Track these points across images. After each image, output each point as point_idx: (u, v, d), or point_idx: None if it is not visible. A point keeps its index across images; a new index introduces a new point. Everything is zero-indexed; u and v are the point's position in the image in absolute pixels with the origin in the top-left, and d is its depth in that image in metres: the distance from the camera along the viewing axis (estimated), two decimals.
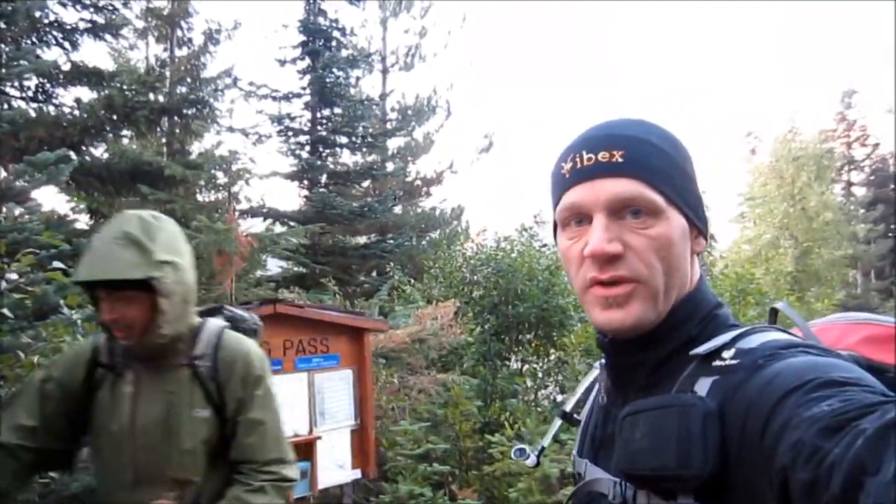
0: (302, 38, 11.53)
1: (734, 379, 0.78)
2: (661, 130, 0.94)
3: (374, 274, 13.14)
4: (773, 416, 0.69)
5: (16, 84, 10.39)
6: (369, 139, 12.72)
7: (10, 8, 8.71)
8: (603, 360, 1.01)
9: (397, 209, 16.03)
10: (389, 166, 15.40)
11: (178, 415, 1.83)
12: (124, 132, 9.60)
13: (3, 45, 9.23)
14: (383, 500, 4.85)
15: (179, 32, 14.96)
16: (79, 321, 3.21)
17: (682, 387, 0.84)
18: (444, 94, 16.16)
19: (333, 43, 11.71)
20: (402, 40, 16.69)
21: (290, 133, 11.70)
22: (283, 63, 11.65)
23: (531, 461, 1.30)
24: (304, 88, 11.68)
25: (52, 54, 10.53)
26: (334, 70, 11.59)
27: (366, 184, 13.78)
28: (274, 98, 11.59)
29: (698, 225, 0.93)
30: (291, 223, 11.16)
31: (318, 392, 4.56)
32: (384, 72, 16.14)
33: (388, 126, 15.69)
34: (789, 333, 0.88)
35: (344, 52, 12.03)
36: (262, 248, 7.77)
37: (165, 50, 14.56)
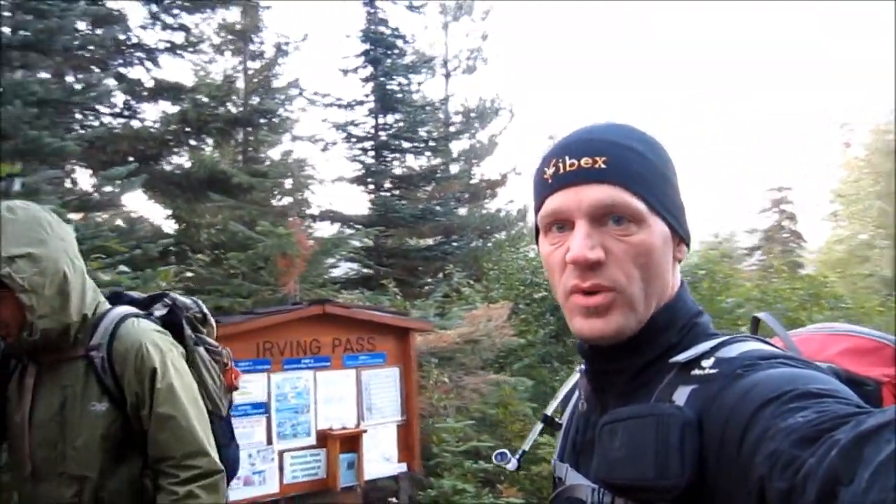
0: (364, 46, 11.86)
1: (713, 388, 0.79)
2: (644, 136, 0.94)
3: (440, 276, 13.38)
4: (751, 426, 0.70)
5: (104, 102, 11.21)
6: (431, 143, 12.93)
7: (98, 33, 9.44)
8: (583, 366, 1.02)
9: (462, 211, 16.21)
10: (454, 168, 15.61)
11: (73, 409, 1.78)
12: (200, 143, 10.23)
13: (93, 68, 10.01)
14: (429, 494, 5.01)
15: (252, 46, 15.73)
16: None
17: (661, 395, 0.84)
18: (506, 96, 16.17)
19: (395, 50, 11.99)
20: (463, 44, 16.80)
21: (353, 139, 12.06)
22: (346, 72, 12.03)
23: (512, 465, 1.30)
24: (366, 96, 12.01)
25: (136, 73, 11.32)
26: (395, 77, 11.87)
27: (430, 187, 14.00)
28: (339, 106, 11.99)
29: (680, 232, 0.93)
30: (357, 226, 11.50)
31: (365, 388, 4.78)
32: (447, 76, 16.36)
33: (452, 129, 15.87)
34: (770, 344, 0.90)
35: (405, 59, 12.29)
36: (323, 250, 8.08)
37: (240, 63, 15.34)
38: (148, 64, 10.33)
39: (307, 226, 11.35)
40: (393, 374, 4.94)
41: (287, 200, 11.57)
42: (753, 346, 0.85)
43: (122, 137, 8.96)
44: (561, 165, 0.90)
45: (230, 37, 15.76)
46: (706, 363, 0.83)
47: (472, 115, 16.12)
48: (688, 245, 0.96)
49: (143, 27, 10.67)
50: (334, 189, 12.45)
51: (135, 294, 2.11)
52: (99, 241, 3.74)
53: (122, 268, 3.31)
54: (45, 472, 1.79)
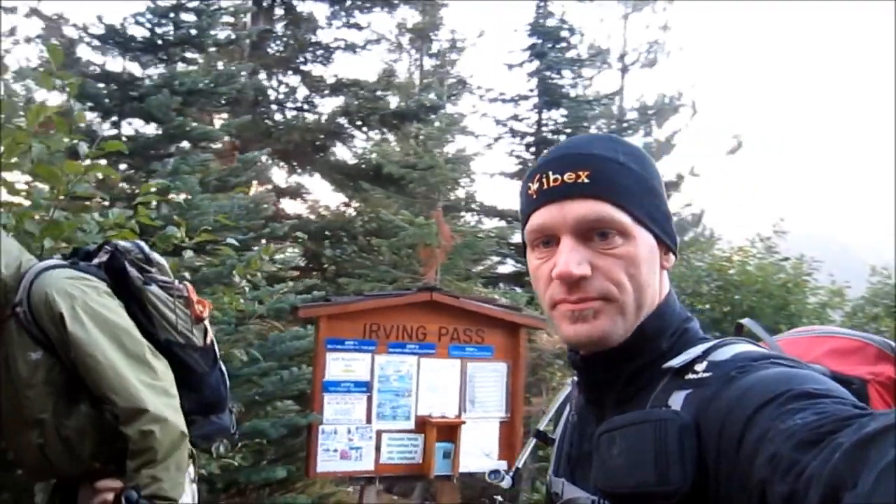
0: (531, 40, 11.77)
1: (707, 392, 0.78)
2: (628, 147, 0.94)
3: None
4: (749, 428, 0.69)
5: (291, 98, 12.28)
6: None
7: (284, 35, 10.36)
8: (575, 378, 1.02)
9: None
10: None
11: (16, 361, 1.89)
12: (363, 135, 10.85)
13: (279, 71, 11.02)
14: (532, 498, 4.87)
15: (430, 43, 16.32)
16: (246, 288, 3.80)
17: (657, 402, 0.84)
18: (688, 92, 15.14)
19: (562, 44, 11.75)
20: (644, 36, 16.02)
21: (517, 135, 12.04)
22: (511, 67, 12.03)
23: (506, 483, 1.31)
24: (531, 90, 11.93)
25: (317, 70, 12.27)
26: (561, 71, 11.63)
27: None
28: (503, 101, 12.04)
29: (666, 241, 0.93)
30: (515, 222, 11.50)
31: (469, 380, 4.74)
32: (623, 69, 15.71)
33: (625, 126, 15.21)
34: (759, 346, 0.90)
35: (572, 53, 12.01)
36: (467, 244, 8.17)
37: (417, 60, 15.98)
38: (324, 61, 11.17)
39: (460, 218, 11.54)
40: (500, 369, 4.85)
41: (451, 194, 11.89)
42: (745, 347, 0.85)
43: (295, 129, 9.78)
44: (545, 181, 0.90)
45: (409, 35, 16.56)
46: (699, 367, 0.83)
47: (650, 111, 15.34)
48: (675, 253, 0.95)
49: (322, 27, 11.55)
50: (494, 183, 12.44)
51: (88, 247, 2.23)
52: (224, 217, 4.05)
53: (231, 240, 3.54)
54: (11, 420, 1.94)
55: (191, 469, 2.28)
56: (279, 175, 13.77)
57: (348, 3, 11.86)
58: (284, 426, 4.24)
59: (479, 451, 4.68)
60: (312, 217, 12.69)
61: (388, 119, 11.06)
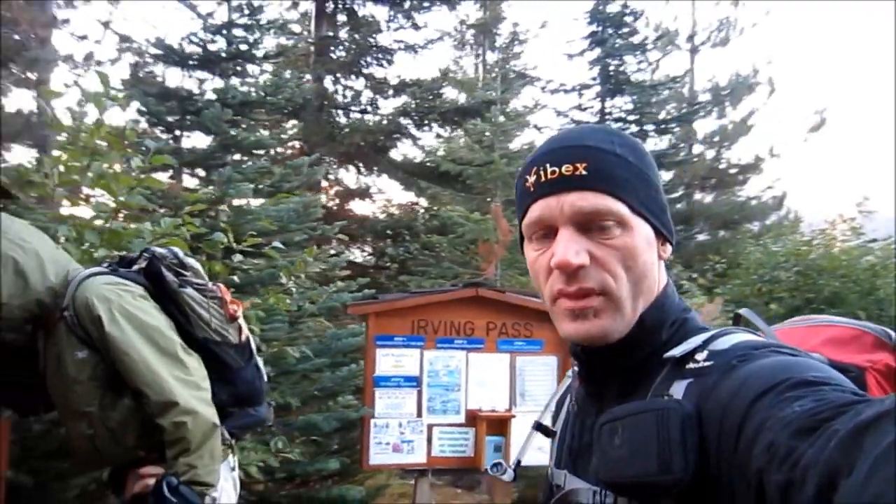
0: (591, 28, 11.56)
1: (708, 381, 0.79)
2: (625, 139, 0.94)
3: (682, 268, 12.61)
4: (748, 417, 0.69)
5: (355, 101, 12.58)
6: (669, 124, 12.14)
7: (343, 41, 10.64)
8: (576, 369, 1.03)
9: (707, 199, 15.00)
10: (700, 150, 14.49)
11: (65, 359, 2.07)
12: (422, 133, 11.01)
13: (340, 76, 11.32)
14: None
15: (493, 38, 16.29)
16: (293, 288, 3.97)
17: (658, 391, 0.84)
18: (764, 70, 14.45)
19: (624, 29, 11.48)
20: (713, 14, 15.38)
21: (579, 125, 11.87)
22: (571, 56, 11.85)
23: (508, 476, 1.30)
24: (593, 79, 11.72)
25: (379, 72, 12.52)
26: (624, 56, 11.38)
27: (670, 173, 13.18)
28: (565, 91, 11.89)
29: (663, 232, 0.93)
30: None
31: (518, 374, 4.76)
32: (692, 50, 15.16)
33: (700, 108, 14.69)
34: (758, 335, 0.90)
35: (636, 37, 11.71)
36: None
37: (478, 56, 16.01)
38: (386, 63, 11.39)
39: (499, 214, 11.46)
40: (550, 363, 4.85)
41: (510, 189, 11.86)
42: (745, 337, 0.85)
43: (357, 131, 10.02)
44: (542, 173, 0.90)
45: (471, 31, 16.59)
46: (700, 356, 0.83)
47: (723, 92, 14.75)
48: (672, 244, 0.96)
49: (383, 30, 11.77)
50: None
51: (132, 254, 2.40)
52: (271, 221, 4.25)
53: (277, 243, 3.73)
54: (64, 412, 2.14)
55: (231, 458, 2.44)
56: (350, 177, 14.20)
57: (407, 4, 12.05)
58: (337, 420, 4.40)
59: (531, 445, 4.69)
60: (382, 217, 13.01)
61: (448, 116, 11.17)
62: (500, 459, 1.39)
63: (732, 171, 15.10)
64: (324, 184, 13.51)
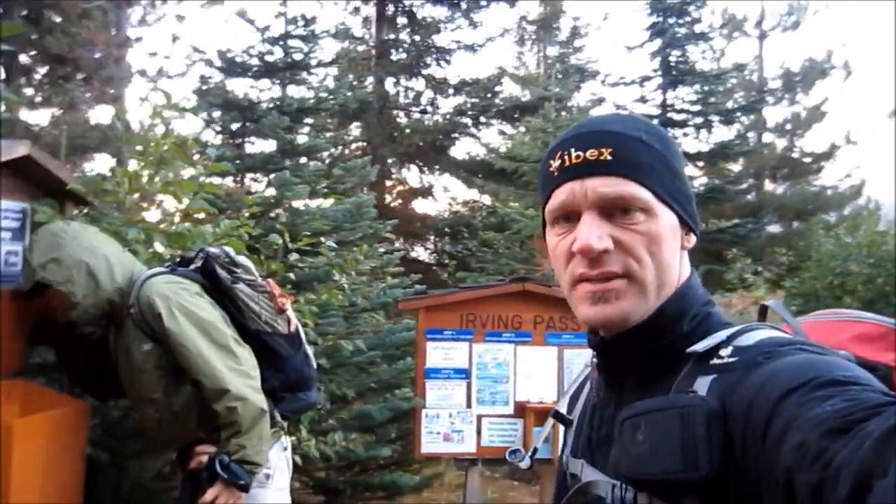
0: (651, 19, 11.38)
1: (733, 377, 0.77)
2: (650, 126, 0.93)
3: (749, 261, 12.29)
4: (775, 415, 0.68)
5: (416, 101, 12.83)
6: (729, 114, 11.82)
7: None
8: (595, 359, 1.01)
9: (779, 190, 14.48)
10: (770, 139, 14.00)
11: (132, 351, 2.30)
12: (480, 131, 11.14)
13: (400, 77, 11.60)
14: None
15: (553, 33, 16.21)
16: (345, 284, 4.20)
17: (681, 387, 0.83)
18: (839, 53, 13.80)
19: (686, 18, 11.25)
20: None
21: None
22: (630, 49, 11.70)
23: (525, 463, 1.30)
24: (654, 71, 11.54)
25: (439, 72, 12.73)
26: (686, 46, 11.15)
27: (737, 164, 12.82)
28: (625, 84, 11.75)
29: (688, 221, 0.92)
30: None
31: (567, 367, 4.84)
32: (761, 36, 14.65)
33: (769, 95, 14.20)
34: (783, 331, 0.88)
35: (699, 26, 11.46)
36: None
37: (539, 52, 15.96)
38: (444, 62, 11.59)
39: None
40: None
41: None
42: (770, 333, 0.84)
43: (416, 131, 10.26)
44: (566, 158, 0.90)
45: (531, 27, 16.57)
46: (724, 352, 0.81)
47: (794, 78, 14.20)
48: (696, 233, 0.95)
49: (442, 30, 11.97)
50: None
51: (190, 254, 2.64)
52: (325, 222, 4.49)
53: (330, 243, 3.95)
54: (134, 399, 2.41)
55: (284, 439, 2.65)
56: (413, 176, 14.50)
57: (465, 5, 12.20)
58: (390, 410, 4.61)
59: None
60: (446, 215, 13.23)
61: (508, 113, 11.26)
62: (518, 447, 1.39)
63: (806, 159, 14.53)
64: (388, 183, 13.89)
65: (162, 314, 2.24)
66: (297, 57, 5.34)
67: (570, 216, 0.89)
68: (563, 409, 1.19)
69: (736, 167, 13.05)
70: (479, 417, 4.72)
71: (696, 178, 11.97)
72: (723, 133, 12.30)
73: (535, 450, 1.27)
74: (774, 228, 12.83)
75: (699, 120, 11.56)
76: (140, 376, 2.32)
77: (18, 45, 7.48)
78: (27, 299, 2.40)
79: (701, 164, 11.85)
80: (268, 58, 5.45)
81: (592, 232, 0.84)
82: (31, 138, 5.25)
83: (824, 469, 0.58)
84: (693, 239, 0.94)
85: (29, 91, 7.94)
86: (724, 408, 0.74)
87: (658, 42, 11.41)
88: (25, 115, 7.67)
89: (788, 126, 14.25)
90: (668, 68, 11.23)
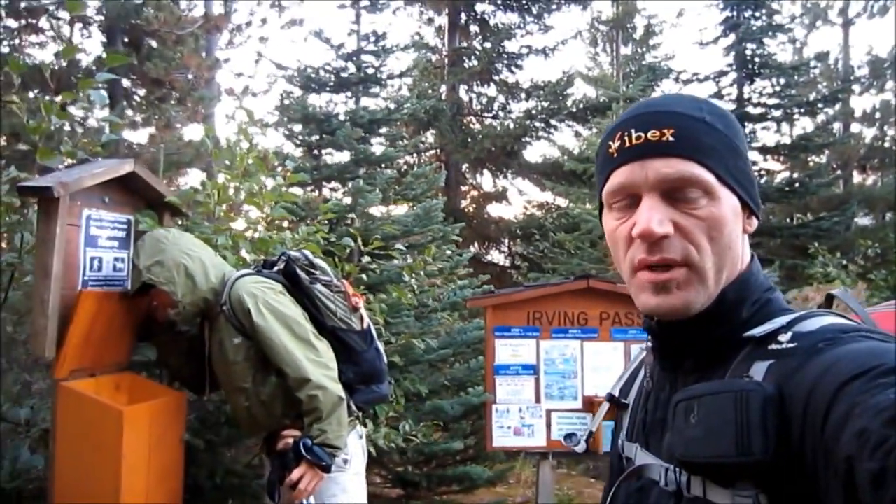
0: (725, 14, 11.13)
1: (792, 363, 0.76)
2: (713, 106, 0.91)
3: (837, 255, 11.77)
4: (836, 402, 0.67)
5: (489, 107, 13.01)
6: (810, 106, 11.39)
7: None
8: (649, 343, 1.00)
9: (869, 181, 13.75)
10: (858, 129, 13.34)
11: (224, 344, 2.55)
12: (549, 134, 11.20)
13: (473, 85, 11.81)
14: None
15: (627, 32, 16.04)
16: (415, 286, 4.43)
17: (737, 371, 0.81)
18: None
19: (762, 10, 10.94)
20: None
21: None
22: (703, 44, 11.47)
23: (581, 447, 1.31)
24: (729, 65, 11.27)
25: (511, 77, 12.86)
26: (763, 38, 10.84)
27: (821, 155, 12.31)
28: (699, 81, 11.53)
29: (750, 204, 0.90)
30: None
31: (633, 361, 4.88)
32: (846, 24, 13.98)
33: (856, 84, 13.55)
34: (848, 319, 0.85)
35: (776, 18, 11.10)
36: None
37: (611, 52, 15.82)
38: (515, 67, 11.73)
39: None
40: None
41: None
42: (833, 320, 0.82)
43: (486, 137, 10.44)
44: (627, 139, 0.87)
45: (604, 28, 16.46)
46: (783, 337, 0.80)
47: (883, 65, 13.47)
48: (758, 217, 0.93)
49: (513, 36, 12.12)
50: None
51: (273, 257, 2.89)
52: (391, 226, 4.74)
53: (399, 246, 4.19)
54: (227, 389, 2.66)
55: (359, 428, 2.88)
56: (487, 181, 14.71)
57: (535, 9, 12.30)
58: (461, 405, 4.80)
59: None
60: (521, 217, 13.35)
61: (579, 115, 11.28)
62: (573, 431, 1.45)
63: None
64: (463, 188, 14.15)
65: (251, 311, 2.47)
66: (370, 71, 5.66)
67: (629, 200, 0.87)
68: (616, 393, 1.19)
69: (821, 159, 12.53)
70: (549, 412, 4.84)
71: (778, 171, 11.58)
72: (807, 125, 11.87)
73: (591, 433, 1.26)
74: (865, 221, 12.23)
75: (778, 113, 11.19)
76: (232, 367, 2.57)
77: (122, 71, 8.19)
78: (135, 297, 2.72)
79: (781, 157, 11.45)
80: (342, 73, 5.80)
81: (653, 216, 0.82)
82: (132, 156, 5.78)
83: (886, 457, 0.57)
84: (755, 222, 0.92)
85: (130, 112, 8.69)
86: (781, 393, 0.72)
87: (732, 37, 11.15)
88: (128, 134, 8.44)
89: (878, 115, 13.52)
90: (744, 62, 10.95)
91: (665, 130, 0.84)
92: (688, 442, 0.79)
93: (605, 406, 1.21)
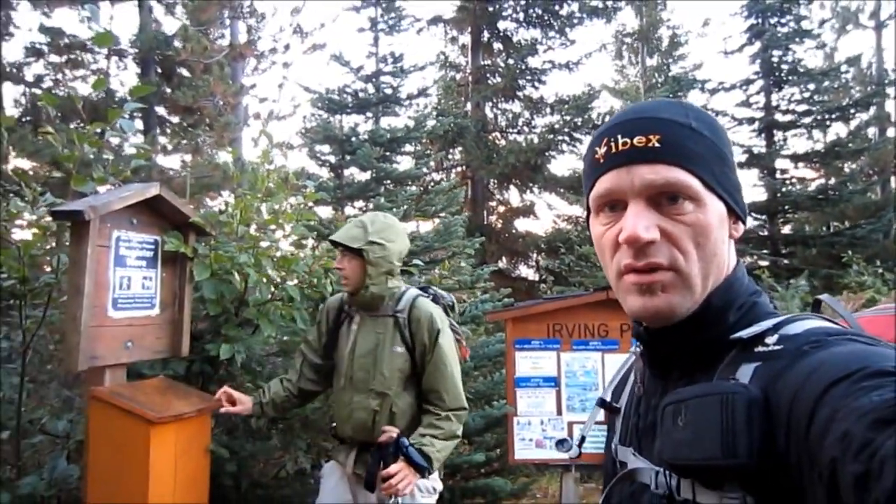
0: (750, 21, 11.06)
1: (777, 365, 0.76)
2: (699, 113, 0.91)
3: (876, 263, 11.49)
4: (820, 405, 0.66)
5: (513, 122, 13.10)
6: (842, 111, 11.20)
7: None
8: (639, 348, 1.00)
9: None
10: (893, 133, 13.05)
11: (382, 348, 2.61)
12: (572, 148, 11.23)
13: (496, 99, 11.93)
14: None
15: (652, 44, 16.02)
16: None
17: (724, 374, 0.82)
18: None
19: (787, 17, 10.84)
20: None
21: (741, 122, 11.34)
22: (728, 53, 11.39)
23: (573, 452, 1.30)
24: (756, 73, 11.16)
25: (535, 92, 12.95)
26: (789, 46, 10.73)
27: (854, 163, 12.07)
28: (725, 90, 11.43)
29: (736, 210, 0.91)
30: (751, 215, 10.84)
31: None
32: (878, 27, 13.74)
33: (889, 88, 13.27)
34: (834, 323, 0.85)
35: (804, 23, 10.99)
36: None
37: (636, 63, 15.80)
38: (538, 83, 11.82)
39: None
40: None
41: None
42: (819, 323, 0.82)
43: (510, 152, 10.53)
44: (613, 144, 0.87)
45: (628, 40, 16.47)
46: (770, 340, 0.80)
47: None
48: (744, 223, 0.94)
49: (537, 52, 12.22)
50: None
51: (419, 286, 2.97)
52: (415, 243, 4.85)
53: (416, 261, 4.29)
54: (359, 388, 2.66)
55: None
56: (514, 196, 14.77)
57: (556, 25, 12.40)
58: (482, 418, 4.85)
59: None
60: (549, 231, 13.37)
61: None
62: (565, 437, 1.48)
63: None
64: (492, 204, 14.24)
65: (440, 332, 2.61)
66: (388, 91, 5.81)
67: (615, 205, 0.88)
68: (608, 397, 1.18)
69: (857, 165, 12.29)
70: (570, 424, 4.86)
71: (812, 179, 11.40)
72: (840, 131, 11.68)
73: (583, 438, 1.27)
74: None
75: (808, 120, 11.03)
76: (383, 370, 2.64)
77: (154, 99, 8.52)
78: (349, 254, 2.70)
79: (813, 164, 11.27)
80: (361, 94, 5.97)
81: (640, 222, 0.83)
82: (164, 180, 6.00)
83: (869, 460, 0.57)
84: (741, 228, 0.92)
85: (163, 139, 9.02)
86: (766, 396, 0.73)
87: (757, 44, 11.06)
88: (161, 160, 8.75)
89: None
90: (771, 69, 10.84)
91: (651, 136, 0.85)
92: (676, 445, 0.79)
93: (598, 410, 1.21)
